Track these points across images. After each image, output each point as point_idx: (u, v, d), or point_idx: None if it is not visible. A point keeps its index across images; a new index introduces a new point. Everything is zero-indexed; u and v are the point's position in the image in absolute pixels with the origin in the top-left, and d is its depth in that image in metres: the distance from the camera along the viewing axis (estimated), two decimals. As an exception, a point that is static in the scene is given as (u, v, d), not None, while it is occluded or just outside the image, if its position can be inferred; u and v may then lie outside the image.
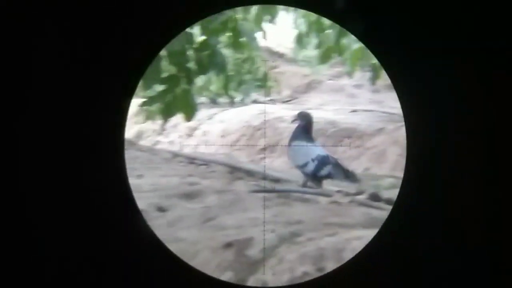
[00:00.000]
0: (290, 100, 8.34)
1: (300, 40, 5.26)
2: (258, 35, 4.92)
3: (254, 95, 7.82)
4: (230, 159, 4.31)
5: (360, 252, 1.57)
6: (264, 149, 6.72)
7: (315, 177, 3.70)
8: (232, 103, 4.16)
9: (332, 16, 1.67)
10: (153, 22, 1.44)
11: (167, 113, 3.41)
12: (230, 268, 2.33)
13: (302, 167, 3.73)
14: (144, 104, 3.67)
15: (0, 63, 1.35)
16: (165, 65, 3.43)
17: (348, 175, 3.74)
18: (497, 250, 1.49)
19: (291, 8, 4.98)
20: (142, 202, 3.13)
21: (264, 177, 3.81)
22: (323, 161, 3.70)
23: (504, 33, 1.44)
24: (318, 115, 6.71)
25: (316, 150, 3.79)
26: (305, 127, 3.86)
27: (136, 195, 3.19)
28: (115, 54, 1.42)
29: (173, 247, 2.46)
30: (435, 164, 1.50)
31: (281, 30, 6.96)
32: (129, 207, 1.35)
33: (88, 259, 1.41)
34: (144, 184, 3.50)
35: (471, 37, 1.46)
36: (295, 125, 3.89)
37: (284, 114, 6.90)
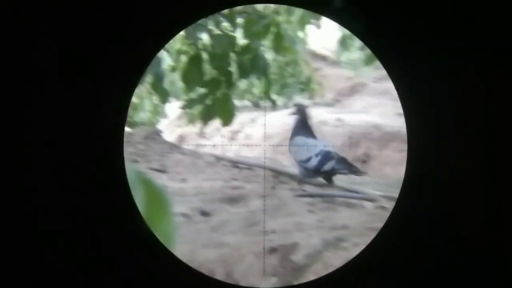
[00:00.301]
0: (333, 103, 8.28)
1: (344, 42, 5.21)
2: (301, 38, 4.89)
3: (297, 98, 7.80)
4: (274, 163, 4.28)
5: (360, 253, 1.55)
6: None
7: (318, 172, 3.66)
8: (274, 106, 4.14)
9: (332, 15, 1.65)
10: (153, 21, 1.44)
11: (206, 117, 3.41)
12: (274, 273, 2.31)
13: (305, 162, 3.69)
14: (184, 106, 3.68)
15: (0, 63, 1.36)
16: (208, 68, 3.43)
17: (352, 169, 3.69)
18: (497, 251, 1.46)
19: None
20: (185, 206, 3.13)
21: (309, 182, 3.77)
22: (326, 156, 3.66)
23: (505, 33, 1.42)
24: (362, 119, 6.65)
25: (319, 144, 3.75)
26: (304, 120, 3.82)
27: (179, 199, 3.21)
28: (115, 53, 1.41)
29: (217, 252, 2.46)
30: (436, 164, 1.48)
31: (325, 32, 6.92)
32: (129, 207, 1.34)
33: (87, 259, 1.41)
34: (188, 188, 3.50)
35: (472, 37, 1.43)
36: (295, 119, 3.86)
37: (327, 117, 6.85)
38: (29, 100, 1.37)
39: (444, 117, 1.46)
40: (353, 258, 1.57)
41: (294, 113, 3.89)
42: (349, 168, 3.68)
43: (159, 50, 1.68)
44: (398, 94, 1.51)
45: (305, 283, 1.66)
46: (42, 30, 1.37)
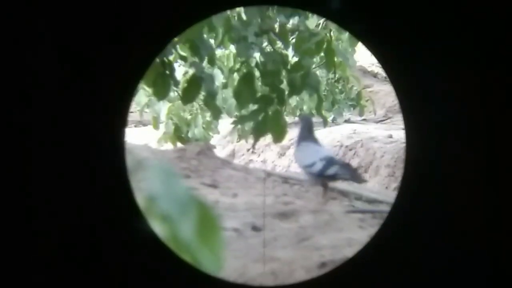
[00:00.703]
0: (384, 120, 8.24)
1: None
2: (352, 54, 4.90)
3: (347, 115, 7.78)
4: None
5: (358, 252, 1.54)
6: (356, 169, 6.65)
7: (322, 177, 3.66)
8: (325, 123, 4.17)
9: (331, 16, 1.66)
10: (154, 22, 1.45)
11: (258, 133, 3.45)
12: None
13: (309, 166, 3.70)
14: (234, 122, 3.74)
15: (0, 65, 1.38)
16: (259, 85, 3.48)
17: (355, 175, 3.69)
18: (497, 251, 1.45)
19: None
20: (237, 221, 3.18)
21: (359, 197, 3.78)
22: (330, 161, 3.66)
23: (505, 33, 1.40)
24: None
25: (323, 150, 3.79)
26: (309, 129, 3.85)
27: (231, 214, 3.25)
28: (115, 55, 1.43)
29: (268, 267, 2.49)
30: (434, 164, 1.47)
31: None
32: (131, 208, 1.36)
33: (88, 259, 1.42)
34: (239, 203, 3.55)
35: (472, 37, 1.42)
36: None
37: (377, 134, 6.82)
38: (29, 100, 1.39)
39: (443, 117, 1.45)
40: (351, 258, 1.57)
41: (299, 122, 3.94)
42: (352, 174, 3.69)
43: (160, 51, 1.69)
44: (396, 94, 1.51)
45: (305, 282, 1.66)
46: (42, 30, 1.38)
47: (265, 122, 3.37)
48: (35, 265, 1.41)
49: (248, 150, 7.51)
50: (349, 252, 2.50)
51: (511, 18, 1.41)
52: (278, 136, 3.39)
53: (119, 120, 1.45)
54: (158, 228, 0.77)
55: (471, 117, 1.45)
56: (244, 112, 3.82)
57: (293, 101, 6.41)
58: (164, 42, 1.62)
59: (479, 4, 1.41)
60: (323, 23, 4.27)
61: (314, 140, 3.86)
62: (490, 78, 1.43)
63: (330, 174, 3.65)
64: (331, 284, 1.54)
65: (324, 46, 3.54)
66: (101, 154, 1.42)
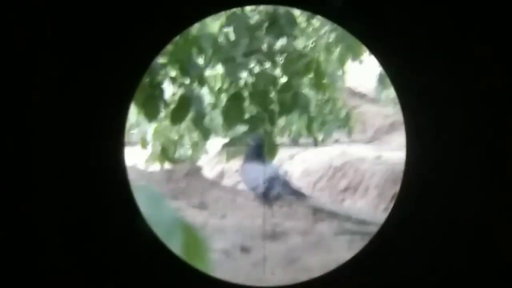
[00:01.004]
0: (372, 141, 8.25)
1: (383, 80, 5.22)
2: (340, 75, 4.91)
3: (336, 136, 7.80)
4: (312, 200, 4.29)
5: (358, 253, 1.53)
6: (345, 190, 6.65)
7: (268, 199, 3.64)
8: (313, 143, 4.15)
9: (331, 16, 1.66)
10: (152, 24, 1.45)
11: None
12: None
13: (254, 189, 3.69)
14: (227, 145, 3.72)
15: (0, 65, 1.38)
16: (248, 106, 3.48)
17: (296, 193, 3.68)
18: (497, 251, 1.44)
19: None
20: (225, 242, 3.15)
21: (348, 219, 3.77)
22: (272, 182, 3.64)
23: (505, 33, 1.41)
24: (402, 156, 6.59)
25: (267, 171, 3.73)
26: (257, 148, 3.81)
27: (219, 236, 3.23)
28: (115, 57, 1.42)
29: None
30: (435, 166, 1.47)
31: (364, 69, 6.94)
32: (129, 208, 1.35)
33: (87, 260, 1.41)
34: (228, 224, 3.52)
35: (473, 37, 1.42)
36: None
37: (366, 155, 6.83)
38: (29, 100, 1.38)
39: (444, 118, 1.45)
40: (351, 259, 1.56)
41: (249, 142, 3.88)
42: (293, 192, 3.67)
43: (158, 53, 1.69)
44: (397, 96, 1.50)
45: (305, 282, 1.64)
46: (41, 31, 1.38)
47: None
48: (34, 264, 1.40)
49: (237, 171, 7.49)
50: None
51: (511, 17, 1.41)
52: (270, 157, 3.38)
53: (118, 120, 1.44)
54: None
55: (473, 118, 1.44)
56: (232, 132, 3.81)
57: (281, 121, 6.41)
58: (163, 45, 1.62)
59: (480, 4, 1.42)
60: (311, 43, 4.28)
61: (261, 160, 3.79)
62: (491, 79, 1.43)
63: (273, 196, 3.62)
64: (332, 284, 1.52)
65: (313, 66, 3.55)
66: (101, 156, 1.42)
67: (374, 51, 1.57)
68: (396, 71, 1.50)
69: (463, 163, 1.45)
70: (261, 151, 3.80)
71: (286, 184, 3.69)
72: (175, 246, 0.81)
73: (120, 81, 1.43)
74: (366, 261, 1.52)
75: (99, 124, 1.41)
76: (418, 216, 1.48)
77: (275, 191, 3.62)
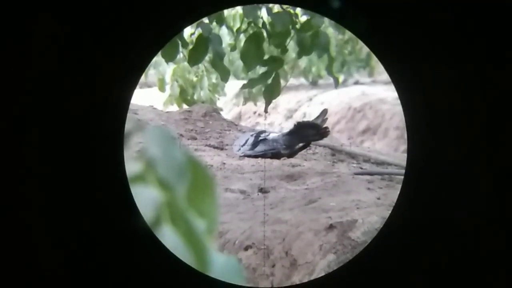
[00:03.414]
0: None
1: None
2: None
3: (357, 76, 7.73)
4: (331, 141, 4.27)
5: (361, 252, 1.55)
6: (364, 132, 6.62)
7: (257, 142, 3.61)
8: (336, 83, 4.08)
9: (332, 15, 1.63)
10: (152, 24, 1.43)
11: (268, 96, 3.41)
12: (332, 251, 2.31)
13: (243, 146, 3.66)
14: (245, 86, 3.69)
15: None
16: (268, 47, 3.43)
17: (316, 127, 3.57)
18: (497, 251, 1.44)
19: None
20: (243, 183, 3.16)
21: (368, 159, 3.75)
22: (254, 141, 3.62)
23: (505, 33, 1.38)
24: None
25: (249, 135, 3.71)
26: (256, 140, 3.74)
27: (238, 176, 3.23)
28: (115, 56, 1.41)
29: (275, 228, 2.48)
30: (437, 163, 1.46)
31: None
32: (128, 205, 1.34)
33: (86, 258, 1.42)
34: (246, 165, 3.53)
35: (473, 37, 1.40)
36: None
37: (386, 95, 6.77)
38: (29, 100, 1.38)
39: (445, 117, 1.45)
40: (354, 258, 1.57)
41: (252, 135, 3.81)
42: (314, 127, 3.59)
43: (158, 50, 1.68)
44: (398, 94, 1.50)
45: (305, 282, 1.67)
46: (41, 30, 1.37)
47: (274, 85, 3.34)
48: (34, 264, 1.41)
49: (255, 113, 7.48)
50: (357, 214, 2.49)
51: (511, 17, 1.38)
52: (273, 96, 3.35)
53: (118, 120, 1.44)
54: (155, 193, 0.76)
55: (474, 116, 1.43)
56: (252, 74, 3.77)
57: (302, 62, 6.35)
58: (163, 43, 1.61)
59: (481, 4, 1.39)
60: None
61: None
62: (491, 79, 1.41)
63: (258, 153, 3.59)
64: (333, 284, 1.54)
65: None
66: (101, 153, 1.42)
67: (374, 51, 1.56)
68: (397, 70, 1.49)
69: (463, 163, 1.44)
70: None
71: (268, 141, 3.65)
72: (184, 186, 0.81)
73: (120, 80, 1.42)
74: (366, 261, 1.52)
75: (99, 124, 1.41)
76: (418, 216, 1.48)
77: (259, 149, 3.60)
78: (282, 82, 3.64)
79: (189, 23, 1.77)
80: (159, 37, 1.50)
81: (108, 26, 1.40)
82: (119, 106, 1.44)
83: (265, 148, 3.62)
